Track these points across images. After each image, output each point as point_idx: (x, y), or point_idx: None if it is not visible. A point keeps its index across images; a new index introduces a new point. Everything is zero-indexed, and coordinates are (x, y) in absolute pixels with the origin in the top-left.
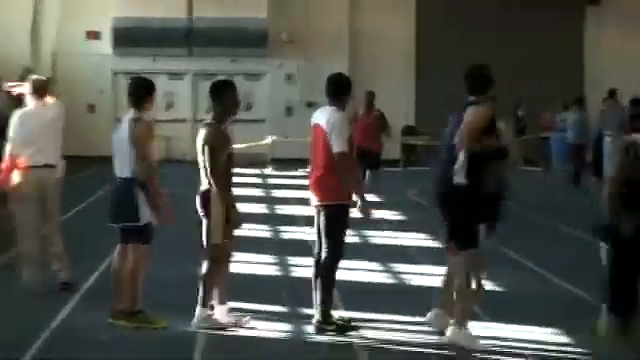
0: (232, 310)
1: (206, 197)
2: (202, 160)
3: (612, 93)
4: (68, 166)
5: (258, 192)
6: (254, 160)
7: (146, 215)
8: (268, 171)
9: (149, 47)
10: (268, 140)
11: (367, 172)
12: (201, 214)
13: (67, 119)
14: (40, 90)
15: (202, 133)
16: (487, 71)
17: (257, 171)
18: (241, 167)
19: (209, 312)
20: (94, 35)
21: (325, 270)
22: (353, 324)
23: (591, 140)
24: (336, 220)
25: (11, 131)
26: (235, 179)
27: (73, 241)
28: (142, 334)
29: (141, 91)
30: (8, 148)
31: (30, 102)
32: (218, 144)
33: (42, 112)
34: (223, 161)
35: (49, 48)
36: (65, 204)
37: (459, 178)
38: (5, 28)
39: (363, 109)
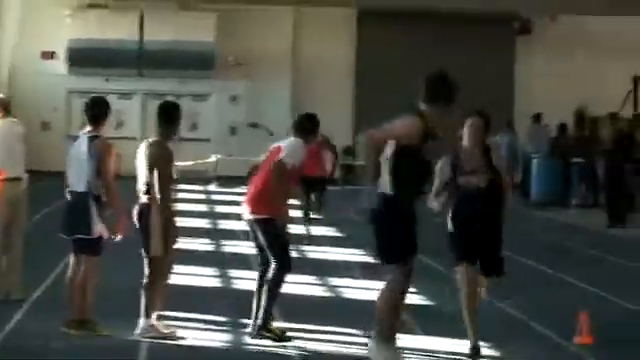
0: (161, 317)
1: (143, 210)
2: (145, 175)
3: (537, 117)
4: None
5: (202, 207)
6: (199, 176)
7: (98, 228)
8: (212, 188)
9: (102, 68)
10: (213, 158)
11: (312, 196)
12: (137, 226)
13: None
14: (6, 107)
15: (148, 149)
16: (441, 79)
17: (201, 188)
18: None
19: (152, 322)
20: (49, 55)
21: (273, 281)
22: (288, 334)
23: (520, 161)
24: (271, 233)
25: None
26: (180, 195)
27: (25, 252)
28: (91, 342)
29: (101, 110)
30: None
31: None
32: (164, 160)
33: (10, 128)
34: (167, 176)
35: (5, 67)
36: None
37: (383, 188)
38: None
39: None
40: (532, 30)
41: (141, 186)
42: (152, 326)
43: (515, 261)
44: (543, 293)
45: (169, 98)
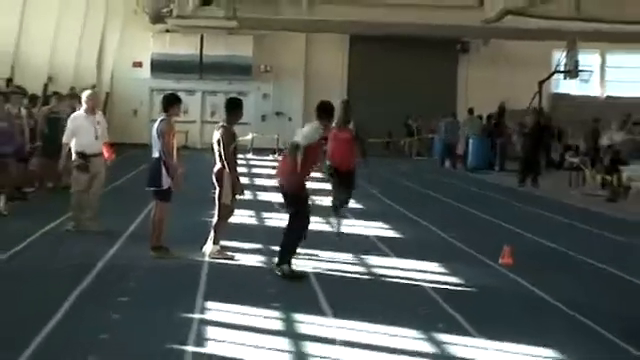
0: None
1: (219, 173)
2: (217, 149)
3: (470, 110)
4: (118, 149)
5: (243, 169)
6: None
7: (166, 182)
8: (249, 155)
9: (174, 73)
10: (249, 136)
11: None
12: (215, 183)
13: (118, 119)
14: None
15: (219, 131)
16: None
17: (242, 156)
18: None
19: (219, 247)
20: (139, 64)
21: (285, 231)
22: (302, 274)
23: (462, 139)
24: (289, 198)
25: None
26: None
27: (121, 200)
28: (166, 262)
29: (169, 101)
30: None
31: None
32: (229, 139)
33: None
34: (232, 150)
35: (108, 73)
36: (116, 175)
37: None
38: (80, 56)
39: (338, 122)
40: (469, 50)
41: (216, 157)
42: (219, 251)
43: (453, 206)
44: (472, 228)
45: (220, 95)
